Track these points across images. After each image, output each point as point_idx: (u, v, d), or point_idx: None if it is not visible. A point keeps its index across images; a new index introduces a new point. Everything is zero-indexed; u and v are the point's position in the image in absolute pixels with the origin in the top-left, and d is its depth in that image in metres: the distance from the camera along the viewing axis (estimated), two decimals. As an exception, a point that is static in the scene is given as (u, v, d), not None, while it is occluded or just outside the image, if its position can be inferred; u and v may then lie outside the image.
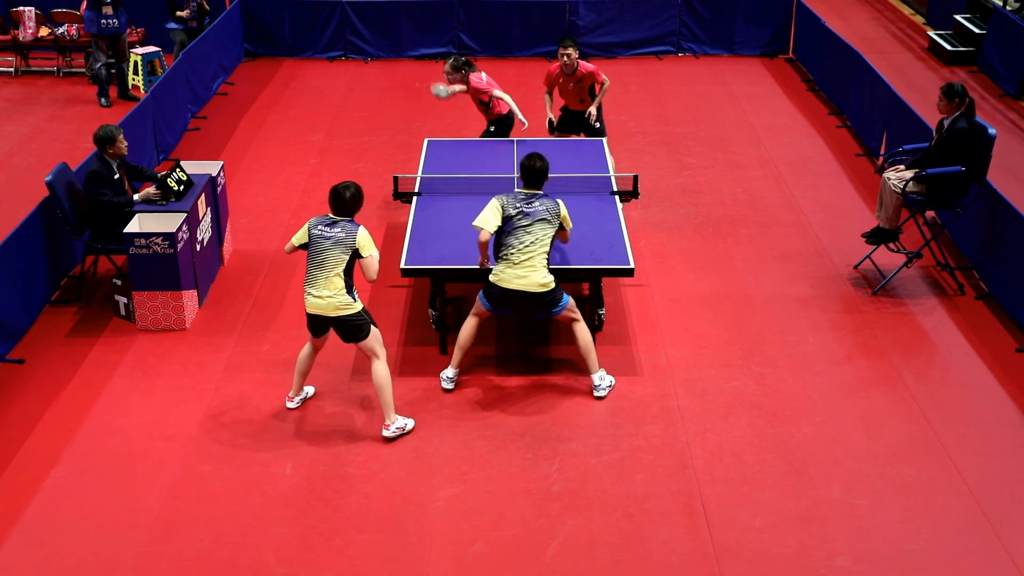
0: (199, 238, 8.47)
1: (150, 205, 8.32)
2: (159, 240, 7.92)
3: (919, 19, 17.07)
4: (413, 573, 5.91)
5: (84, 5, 12.94)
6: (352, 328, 6.86)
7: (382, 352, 6.96)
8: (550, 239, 7.09)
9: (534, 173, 7.24)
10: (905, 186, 8.58)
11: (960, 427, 7.12)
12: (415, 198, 8.72)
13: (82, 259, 8.75)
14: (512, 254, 7.05)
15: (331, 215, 6.87)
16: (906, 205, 8.67)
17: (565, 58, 9.75)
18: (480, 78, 9.79)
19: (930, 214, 9.37)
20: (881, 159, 10.83)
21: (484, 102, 9.88)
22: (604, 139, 9.91)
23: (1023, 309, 8.15)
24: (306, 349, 7.19)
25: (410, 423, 7.04)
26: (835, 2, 17.70)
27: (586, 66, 9.90)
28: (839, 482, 6.59)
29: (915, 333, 8.24)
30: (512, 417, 7.20)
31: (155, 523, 6.24)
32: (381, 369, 6.91)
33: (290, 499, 6.45)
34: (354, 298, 6.82)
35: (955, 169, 8.36)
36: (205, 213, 8.69)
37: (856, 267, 9.15)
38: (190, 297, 8.26)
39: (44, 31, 14.04)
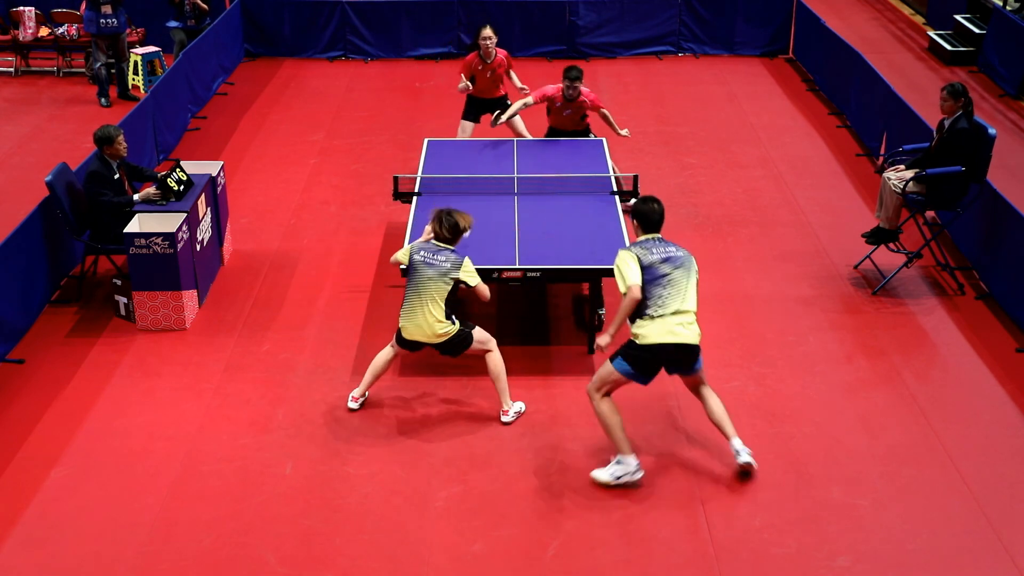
0: (199, 238, 8.47)
1: (150, 205, 8.32)
2: (159, 240, 7.92)
3: (919, 19, 17.07)
4: (413, 573, 5.91)
5: (84, 5, 12.94)
6: (455, 346, 6.96)
7: (492, 344, 7.07)
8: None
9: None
10: (905, 186, 8.58)
11: (960, 427, 7.12)
12: (415, 198, 8.72)
13: (82, 259, 8.75)
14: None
15: (434, 242, 6.87)
16: (906, 205, 8.67)
17: (572, 90, 9.54)
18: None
19: (930, 214, 9.37)
20: (881, 159, 10.83)
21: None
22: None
23: (1023, 309, 8.15)
24: (388, 353, 7.17)
25: (522, 405, 7.20)
26: (835, 2, 17.70)
27: (589, 95, 9.72)
28: (839, 482, 6.59)
29: (915, 333, 8.23)
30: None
31: (155, 523, 6.24)
32: (495, 359, 7.06)
33: (290, 499, 6.45)
34: (453, 321, 6.89)
35: (955, 169, 8.36)
36: (205, 213, 8.69)
37: (856, 267, 9.15)
38: (190, 297, 8.26)
39: (44, 31, 14.04)
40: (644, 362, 6.31)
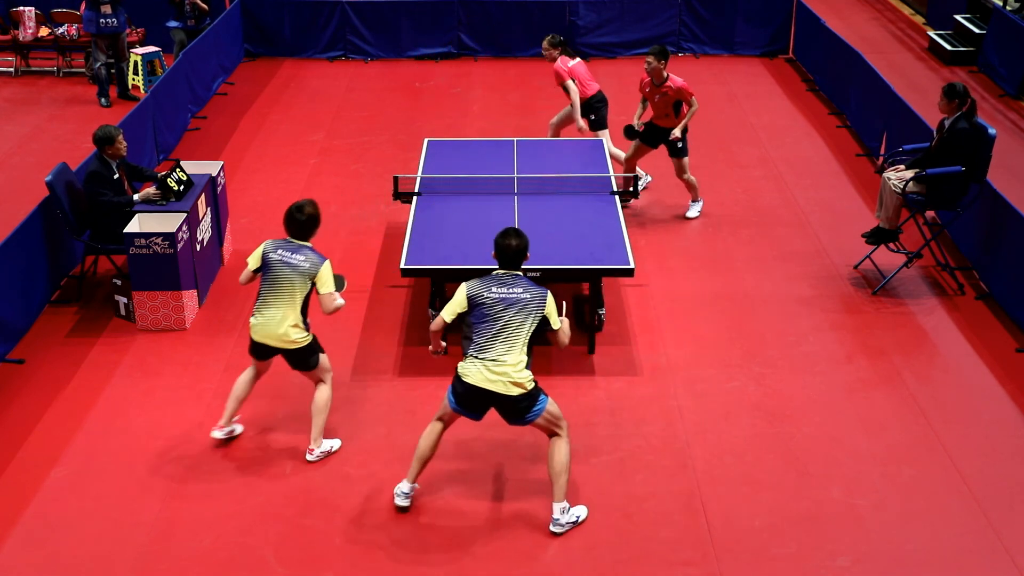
0: (199, 238, 8.47)
1: (150, 205, 8.32)
2: (159, 240, 7.92)
3: (919, 19, 17.07)
4: (413, 573, 5.91)
5: (84, 5, 12.94)
6: (301, 359, 6.59)
7: (328, 377, 6.77)
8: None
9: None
10: (905, 186, 8.58)
11: (960, 427, 7.12)
12: (415, 198, 8.72)
13: (82, 259, 8.75)
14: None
15: (291, 240, 6.54)
16: (906, 205, 8.67)
17: (646, 65, 9.55)
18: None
19: (930, 214, 9.37)
20: (881, 159, 10.83)
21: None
22: (685, 159, 9.74)
23: (1023, 309, 8.15)
24: (248, 373, 6.83)
25: (336, 443, 6.87)
26: (835, 2, 17.70)
27: (675, 80, 9.59)
28: (839, 482, 6.59)
29: (915, 333, 8.24)
30: (512, 417, 7.20)
31: (155, 523, 6.24)
32: (324, 394, 6.72)
33: (290, 499, 6.45)
34: (307, 329, 6.55)
35: (955, 169, 8.36)
36: (205, 213, 8.69)
37: (856, 267, 9.15)
38: (190, 297, 8.26)
39: (44, 31, 14.05)
40: (462, 398, 6.02)
